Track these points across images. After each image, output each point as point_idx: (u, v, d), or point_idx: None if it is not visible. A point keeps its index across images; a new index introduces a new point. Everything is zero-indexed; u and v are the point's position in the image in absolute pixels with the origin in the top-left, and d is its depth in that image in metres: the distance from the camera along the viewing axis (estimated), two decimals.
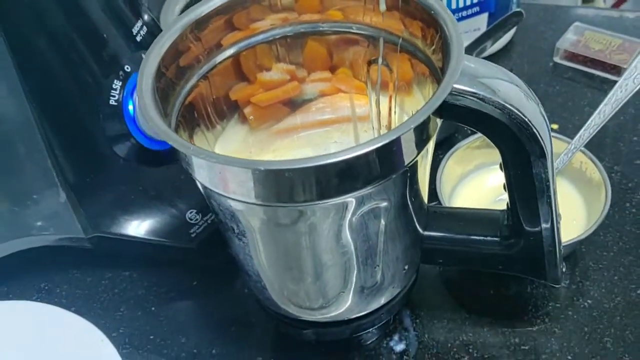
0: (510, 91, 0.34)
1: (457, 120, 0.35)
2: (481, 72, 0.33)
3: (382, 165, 0.31)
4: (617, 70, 0.63)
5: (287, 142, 0.47)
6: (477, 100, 0.32)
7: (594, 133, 0.50)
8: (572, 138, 0.51)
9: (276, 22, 0.41)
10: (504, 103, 0.32)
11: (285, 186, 0.31)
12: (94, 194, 0.50)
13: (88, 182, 0.49)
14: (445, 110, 0.32)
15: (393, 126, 0.44)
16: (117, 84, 0.49)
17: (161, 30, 0.55)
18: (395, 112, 0.43)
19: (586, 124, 0.51)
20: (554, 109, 0.62)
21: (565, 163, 0.50)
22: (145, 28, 0.52)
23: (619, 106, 0.51)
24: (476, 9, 0.63)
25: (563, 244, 0.42)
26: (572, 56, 0.65)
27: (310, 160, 0.29)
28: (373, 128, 0.45)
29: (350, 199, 0.32)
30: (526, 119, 0.33)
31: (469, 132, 0.57)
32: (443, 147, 0.54)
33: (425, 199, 0.41)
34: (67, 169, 0.48)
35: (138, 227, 0.50)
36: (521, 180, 0.37)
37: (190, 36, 0.38)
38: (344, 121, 0.45)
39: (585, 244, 0.50)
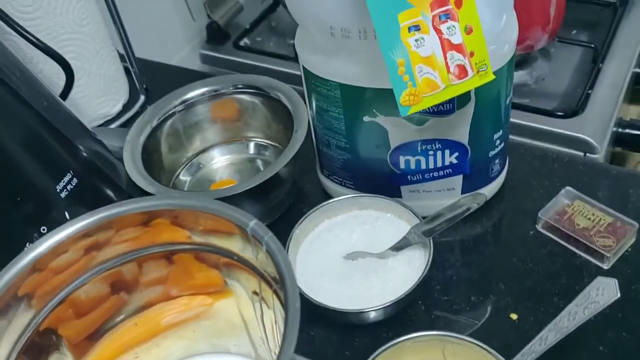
0: None
1: None
2: None
3: None
4: (601, 255, 0.56)
5: (179, 336, 0.44)
6: None
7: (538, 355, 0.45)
8: (529, 336, 0.45)
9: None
10: None
11: None
12: None
13: None
14: None
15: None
16: (27, 246, 0.47)
17: (102, 171, 0.55)
18: (278, 337, 0.40)
19: (524, 349, 0.45)
20: (519, 292, 0.56)
21: None
22: (75, 180, 0.51)
23: (564, 335, 0.45)
24: (448, 171, 0.58)
25: None
26: (555, 229, 0.59)
27: None
28: (266, 347, 0.42)
29: None
30: None
31: None
32: None
33: None
34: None
35: None
36: None
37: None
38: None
39: None
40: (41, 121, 0.49)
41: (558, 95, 0.92)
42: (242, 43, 1.09)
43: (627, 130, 0.94)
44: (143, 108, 0.81)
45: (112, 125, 0.78)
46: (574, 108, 0.87)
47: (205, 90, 0.65)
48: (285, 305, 0.31)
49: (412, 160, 0.57)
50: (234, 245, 0.36)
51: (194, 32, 1.10)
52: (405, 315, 0.55)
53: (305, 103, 0.61)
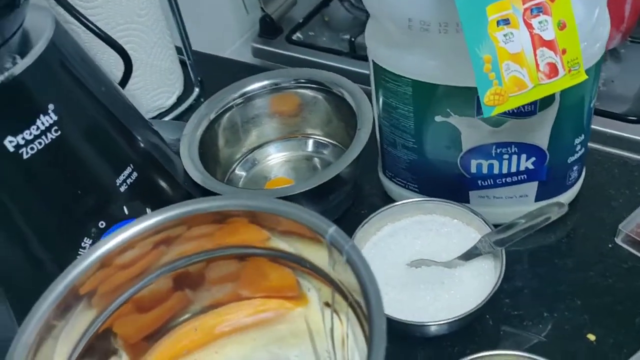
0: None
1: None
2: None
3: None
4: None
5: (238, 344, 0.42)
6: None
7: None
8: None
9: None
10: None
11: None
12: None
13: None
14: None
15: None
16: (86, 242, 0.46)
17: (160, 165, 0.53)
18: (348, 353, 0.37)
19: None
20: (597, 310, 0.52)
21: None
22: (135, 174, 0.49)
23: None
24: (523, 177, 0.54)
25: None
26: (637, 243, 0.54)
27: None
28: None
29: None
30: None
31: None
32: None
33: None
34: None
35: None
36: None
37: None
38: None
39: None
40: (103, 110, 0.48)
41: (629, 99, 0.87)
42: (294, 37, 1.06)
43: None
44: (197, 101, 0.79)
45: (166, 118, 0.77)
46: None
47: (265, 84, 0.63)
48: (370, 323, 0.28)
49: (485, 164, 0.53)
50: (309, 252, 0.34)
51: (247, 25, 1.08)
52: (471, 329, 0.52)
53: (370, 100, 0.58)
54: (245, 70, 0.70)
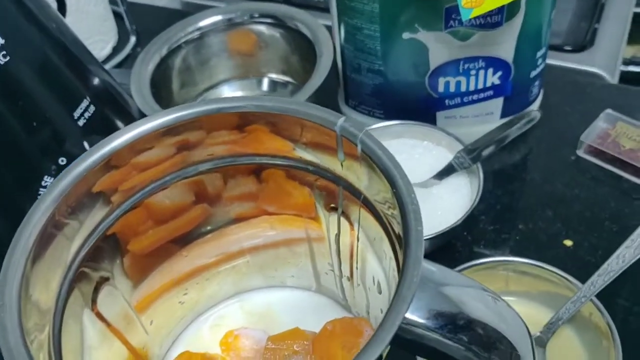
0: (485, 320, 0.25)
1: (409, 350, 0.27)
2: (445, 290, 0.25)
3: None
4: None
5: (232, 269, 0.40)
6: (435, 336, 0.24)
7: (609, 281, 0.42)
8: (586, 262, 0.42)
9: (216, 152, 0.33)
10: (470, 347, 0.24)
11: None
12: None
13: None
14: (395, 341, 0.24)
15: (354, 277, 0.36)
16: (46, 180, 0.42)
17: (117, 100, 0.49)
18: (357, 263, 0.35)
19: (601, 268, 0.42)
20: (569, 218, 0.53)
21: (572, 314, 0.42)
22: (92, 107, 0.45)
23: None
24: (489, 93, 0.54)
25: None
26: (598, 152, 0.56)
27: None
28: (334, 273, 0.38)
29: None
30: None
31: None
32: None
33: None
34: None
35: None
36: None
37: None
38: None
39: None
40: (54, 41, 0.43)
41: (562, 33, 0.90)
42: None
43: (630, 68, 0.93)
44: (134, 50, 0.75)
45: None
46: (581, 42, 0.84)
47: (218, 19, 0.59)
48: (401, 206, 0.26)
49: (453, 81, 0.53)
50: (328, 162, 0.32)
51: None
52: (451, 247, 0.52)
53: (330, 31, 0.57)
54: (181, 18, 0.67)
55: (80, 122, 0.44)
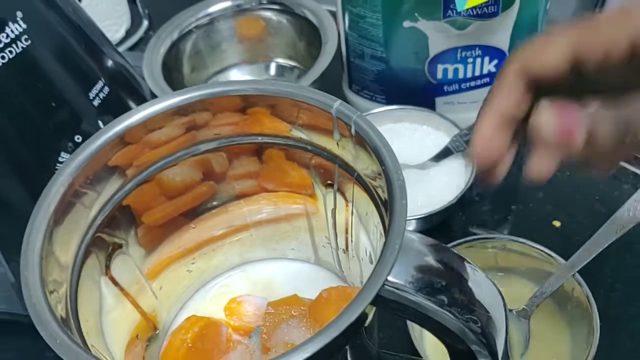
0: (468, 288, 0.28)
1: (394, 312, 0.29)
2: (426, 257, 0.28)
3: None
4: (639, 161, 0.56)
5: (237, 242, 0.42)
6: (416, 298, 0.27)
7: (589, 259, 0.44)
8: (573, 242, 0.45)
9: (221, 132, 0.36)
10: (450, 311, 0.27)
11: None
12: None
13: None
14: (379, 302, 0.27)
15: (349, 249, 0.39)
16: (63, 156, 0.45)
17: (129, 82, 0.52)
18: (352, 236, 0.38)
19: (583, 247, 0.45)
20: (559, 199, 0.55)
21: (555, 289, 0.45)
22: (106, 88, 0.48)
23: (625, 231, 0.44)
24: (486, 80, 0.57)
25: None
26: None
27: None
28: (330, 246, 0.40)
29: None
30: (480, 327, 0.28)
31: None
32: None
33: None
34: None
35: None
36: None
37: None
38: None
39: None
40: (71, 25, 0.46)
41: (565, 21, 0.91)
42: None
43: None
44: (147, 34, 0.77)
45: None
46: None
47: (227, 5, 0.62)
48: (389, 182, 0.29)
49: (451, 68, 0.55)
50: (325, 142, 0.34)
51: None
52: (446, 226, 0.55)
53: (334, 18, 0.59)
54: (192, 3, 0.69)
55: (95, 103, 0.46)
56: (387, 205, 0.29)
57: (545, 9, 0.55)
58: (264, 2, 0.62)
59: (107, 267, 0.35)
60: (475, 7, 0.50)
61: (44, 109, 0.44)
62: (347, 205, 0.36)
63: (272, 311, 0.37)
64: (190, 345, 0.36)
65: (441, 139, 0.56)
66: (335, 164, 0.35)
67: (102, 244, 0.34)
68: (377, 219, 0.32)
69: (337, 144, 0.34)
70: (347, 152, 0.34)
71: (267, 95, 0.33)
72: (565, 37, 0.30)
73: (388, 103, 0.60)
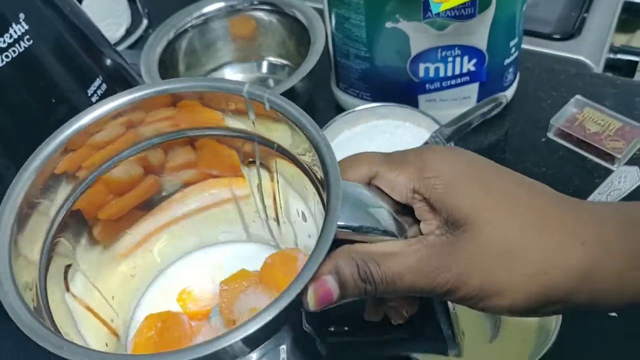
0: None
1: None
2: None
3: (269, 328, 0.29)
4: (611, 157, 0.59)
5: (169, 233, 0.45)
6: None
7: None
8: None
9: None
10: None
11: None
12: None
13: None
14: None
15: (279, 216, 0.42)
16: None
17: (126, 79, 0.55)
18: (280, 203, 0.42)
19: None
20: None
21: None
22: (104, 85, 0.51)
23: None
24: (466, 78, 0.59)
25: None
26: (566, 135, 0.61)
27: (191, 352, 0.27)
28: (261, 218, 0.44)
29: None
30: None
31: None
32: None
33: None
34: None
35: None
36: None
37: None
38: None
39: None
40: (70, 24, 0.49)
41: (552, 21, 0.94)
42: None
43: (618, 56, 0.97)
44: (146, 32, 0.80)
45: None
46: (570, 31, 0.89)
47: (221, 6, 0.65)
48: (315, 144, 0.32)
49: (432, 67, 0.58)
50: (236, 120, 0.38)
51: None
52: None
53: (322, 18, 0.62)
54: (190, 2, 0.72)
55: (94, 99, 0.49)
56: (322, 164, 0.32)
57: (522, 10, 0.58)
58: (256, 2, 0.65)
59: (67, 287, 0.38)
60: (452, 9, 0.53)
61: (44, 106, 0.47)
62: (271, 176, 0.40)
63: (226, 288, 0.40)
64: (157, 340, 0.39)
65: (422, 136, 0.59)
66: (254, 142, 0.39)
67: (59, 255, 0.37)
68: (309, 183, 0.36)
69: (253, 123, 0.37)
70: (264, 127, 0.37)
71: (188, 92, 0.37)
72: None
73: (374, 100, 0.63)
